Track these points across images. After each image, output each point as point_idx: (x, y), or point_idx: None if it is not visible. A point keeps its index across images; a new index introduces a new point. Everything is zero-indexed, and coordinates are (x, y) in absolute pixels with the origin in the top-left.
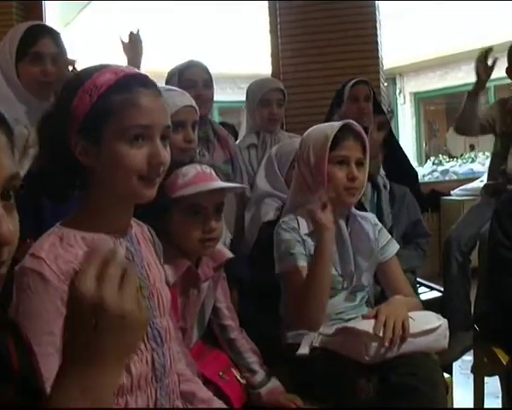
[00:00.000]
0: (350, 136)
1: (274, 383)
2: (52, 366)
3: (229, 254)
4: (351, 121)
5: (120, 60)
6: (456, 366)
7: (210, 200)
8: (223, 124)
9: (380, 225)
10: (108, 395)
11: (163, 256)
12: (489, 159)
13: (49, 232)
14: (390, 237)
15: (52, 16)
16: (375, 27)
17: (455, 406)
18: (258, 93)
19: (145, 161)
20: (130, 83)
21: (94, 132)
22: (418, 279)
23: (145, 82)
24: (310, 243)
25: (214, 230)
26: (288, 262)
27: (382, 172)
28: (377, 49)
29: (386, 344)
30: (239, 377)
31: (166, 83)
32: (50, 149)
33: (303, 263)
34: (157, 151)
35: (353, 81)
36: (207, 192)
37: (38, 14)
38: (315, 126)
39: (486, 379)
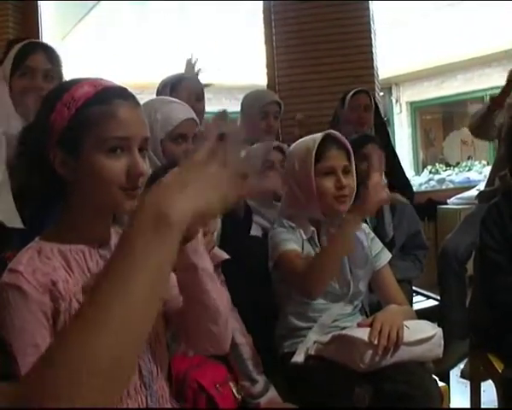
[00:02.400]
0: (333, 146)
1: (272, 393)
2: None
3: (225, 256)
4: (332, 131)
5: (115, 71)
6: (453, 374)
7: None
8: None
9: (372, 234)
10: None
11: None
12: (485, 167)
13: (28, 247)
14: (382, 245)
15: (49, 29)
16: (370, 37)
17: None
18: (257, 105)
19: (124, 173)
20: (109, 95)
21: (72, 145)
22: (415, 288)
23: (123, 94)
24: (307, 246)
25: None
26: (282, 247)
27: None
28: (372, 59)
29: (380, 352)
30: (235, 392)
31: (157, 93)
32: (29, 160)
33: (298, 248)
34: (135, 162)
35: (354, 91)
36: None
37: (35, 15)
38: (298, 141)
39: (483, 387)
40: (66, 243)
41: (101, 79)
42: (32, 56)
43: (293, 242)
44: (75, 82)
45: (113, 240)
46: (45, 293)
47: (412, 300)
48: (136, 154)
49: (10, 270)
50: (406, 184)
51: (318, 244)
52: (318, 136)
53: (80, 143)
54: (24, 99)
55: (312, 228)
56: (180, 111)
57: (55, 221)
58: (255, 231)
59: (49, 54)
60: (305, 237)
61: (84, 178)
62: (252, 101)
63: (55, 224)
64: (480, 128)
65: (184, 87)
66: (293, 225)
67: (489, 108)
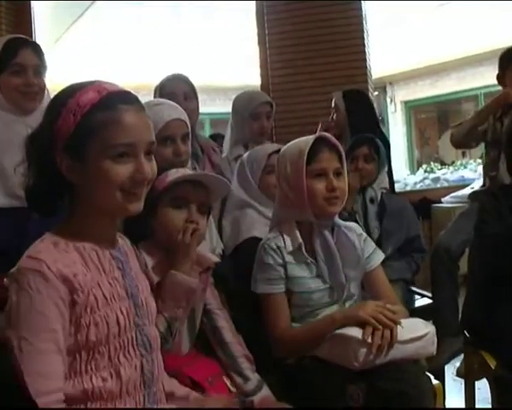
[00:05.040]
0: (325, 148)
1: (266, 391)
2: (53, 363)
3: (215, 259)
4: (324, 134)
5: (110, 72)
6: (448, 372)
7: (194, 195)
8: (217, 135)
9: (364, 234)
10: None
11: (151, 259)
12: (480, 166)
13: (42, 239)
14: (375, 246)
15: (42, 31)
16: (363, 37)
17: None
18: (248, 107)
19: (128, 177)
20: (114, 101)
21: (78, 151)
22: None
23: (128, 99)
24: (292, 263)
25: (197, 223)
26: (265, 288)
27: (384, 183)
28: (365, 59)
29: (374, 350)
30: (229, 386)
31: (154, 97)
32: (38, 165)
33: (279, 290)
34: (141, 167)
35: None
36: (192, 188)
37: (28, 17)
38: (291, 142)
39: (478, 385)
40: (78, 240)
41: (105, 83)
42: (23, 52)
43: (277, 282)
44: (79, 87)
45: (121, 243)
46: (65, 283)
47: (412, 298)
48: (142, 158)
49: (30, 257)
50: (391, 184)
51: (307, 253)
52: (311, 138)
53: (86, 150)
54: (18, 97)
55: (300, 240)
56: (165, 112)
57: (65, 220)
58: (251, 227)
59: (36, 49)
60: (291, 248)
61: (91, 183)
62: (243, 102)
63: (64, 222)
64: (463, 142)
65: (169, 88)
66: (280, 243)
67: (475, 123)
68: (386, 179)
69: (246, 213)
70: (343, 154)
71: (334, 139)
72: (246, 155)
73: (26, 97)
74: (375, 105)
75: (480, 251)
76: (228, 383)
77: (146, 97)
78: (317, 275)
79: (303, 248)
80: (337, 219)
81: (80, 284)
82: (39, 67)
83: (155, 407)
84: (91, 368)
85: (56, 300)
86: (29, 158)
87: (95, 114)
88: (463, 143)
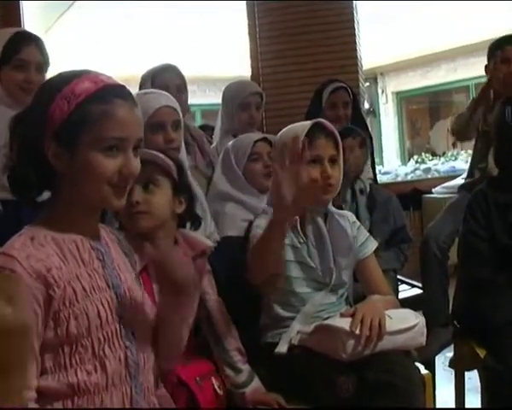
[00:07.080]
0: (321, 134)
1: (257, 383)
2: None
3: (209, 243)
4: (321, 120)
5: (100, 64)
6: (438, 362)
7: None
8: (205, 126)
9: (358, 223)
10: None
11: (131, 246)
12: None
13: (20, 233)
14: (368, 234)
15: (32, 22)
16: (354, 28)
17: (437, 402)
18: (238, 97)
19: (116, 171)
20: (109, 94)
21: (69, 139)
22: (399, 277)
23: (123, 93)
24: (290, 235)
25: (138, 203)
26: (256, 233)
27: (369, 174)
28: (356, 50)
29: (363, 342)
30: (216, 387)
31: (140, 87)
32: (21, 149)
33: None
34: (129, 163)
35: (332, 87)
36: None
37: (16, 13)
38: (287, 127)
39: (468, 375)
40: (58, 231)
41: (101, 74)
42: (25, 49)
43: None
44: (75, 75)
45: (103, 234)
46: (38, 279)
47: (398, 289)
48: (131, 154)
49: (3, 254)
50: (374, 175)
51: (301, 233)
52: (307, 123)
53: (77, 139)
54: (17, 92)
55: (295, 216)
56: (155, 100)
57: (47, 209)
58: (231, 225)
59: (40, 45)
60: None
61: (77, 173)
62: (233, 92)
63: (47, 212)
64: (466, 133)
65: (163, 79)
66: None
67: (471, 111)
68: (370, 170)
69: (225, 209)
70: (339, 141)
71: (330, 126)
72: (231, 142)
73: (25, 93)
74: (365, 96)
75: (463, 257)
76: (216, 384)
77: (135, 89)
78: (305, 260)
79: (298, 225)
80: (330, 207)
81: (55, 278)
82: (41, 64)
83: (143, 397)
84: (76, 362)
85: (28, 298)
86: (12, 138)
87: (90, 104)
88: (464, 135)
